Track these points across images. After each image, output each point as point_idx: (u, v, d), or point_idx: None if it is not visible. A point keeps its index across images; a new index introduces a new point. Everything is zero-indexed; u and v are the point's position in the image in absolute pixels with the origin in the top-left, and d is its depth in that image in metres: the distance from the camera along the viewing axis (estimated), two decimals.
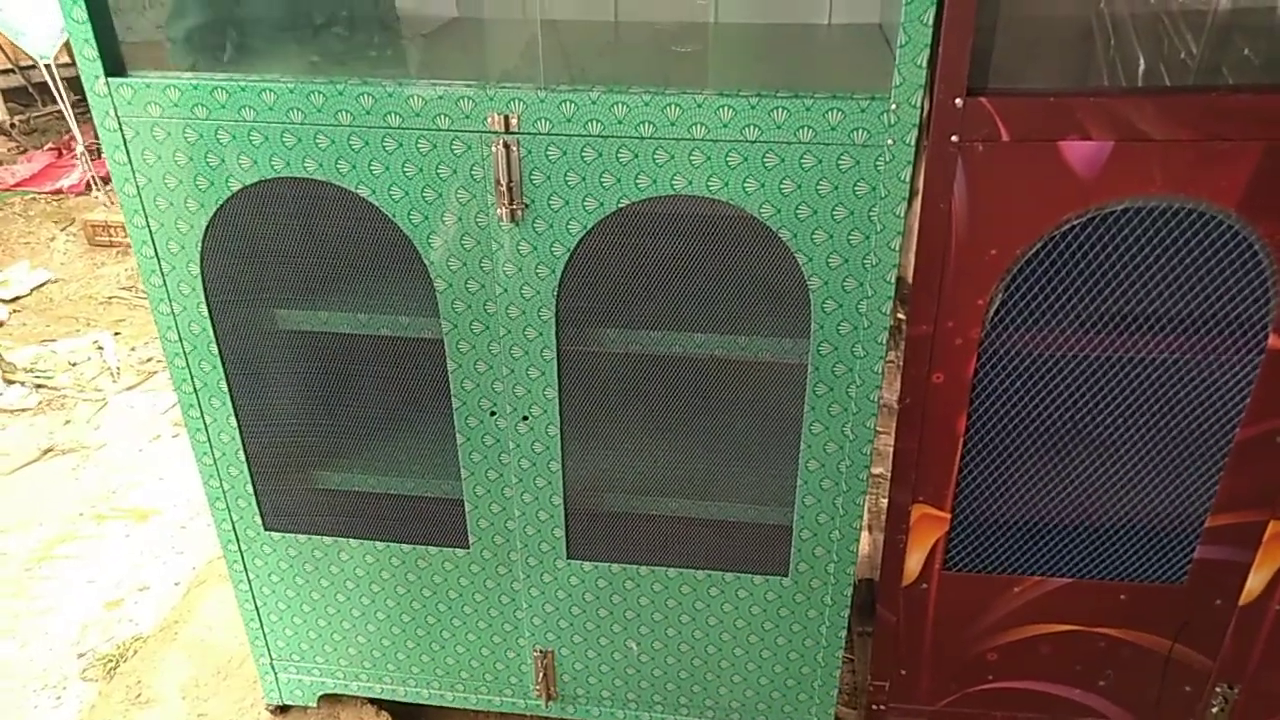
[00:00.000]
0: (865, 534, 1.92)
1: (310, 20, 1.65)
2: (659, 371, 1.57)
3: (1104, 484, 1.56)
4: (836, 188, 1.26)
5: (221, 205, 1.41)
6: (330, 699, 1.96)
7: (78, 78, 1.36)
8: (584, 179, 1.31)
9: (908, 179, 1.24)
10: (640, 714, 1.83)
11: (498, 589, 1.71)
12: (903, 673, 1.75)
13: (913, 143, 1.22)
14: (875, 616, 1.70)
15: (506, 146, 1.29)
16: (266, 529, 1.72)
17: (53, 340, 3.68)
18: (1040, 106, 1.23)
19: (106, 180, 4.73)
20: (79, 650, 2.22)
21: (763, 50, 1.62)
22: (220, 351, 1.54)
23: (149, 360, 3.54)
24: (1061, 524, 1.61)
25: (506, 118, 1.28)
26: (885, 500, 1.57)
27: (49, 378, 3.40)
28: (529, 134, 1.29)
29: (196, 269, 1.46)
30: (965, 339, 1.40)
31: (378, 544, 1.71)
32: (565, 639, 1.76)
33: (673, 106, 1.24)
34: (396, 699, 1.91)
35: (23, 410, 3.23)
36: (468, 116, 1.29)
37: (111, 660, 2.17)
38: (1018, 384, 1.47)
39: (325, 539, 1.72)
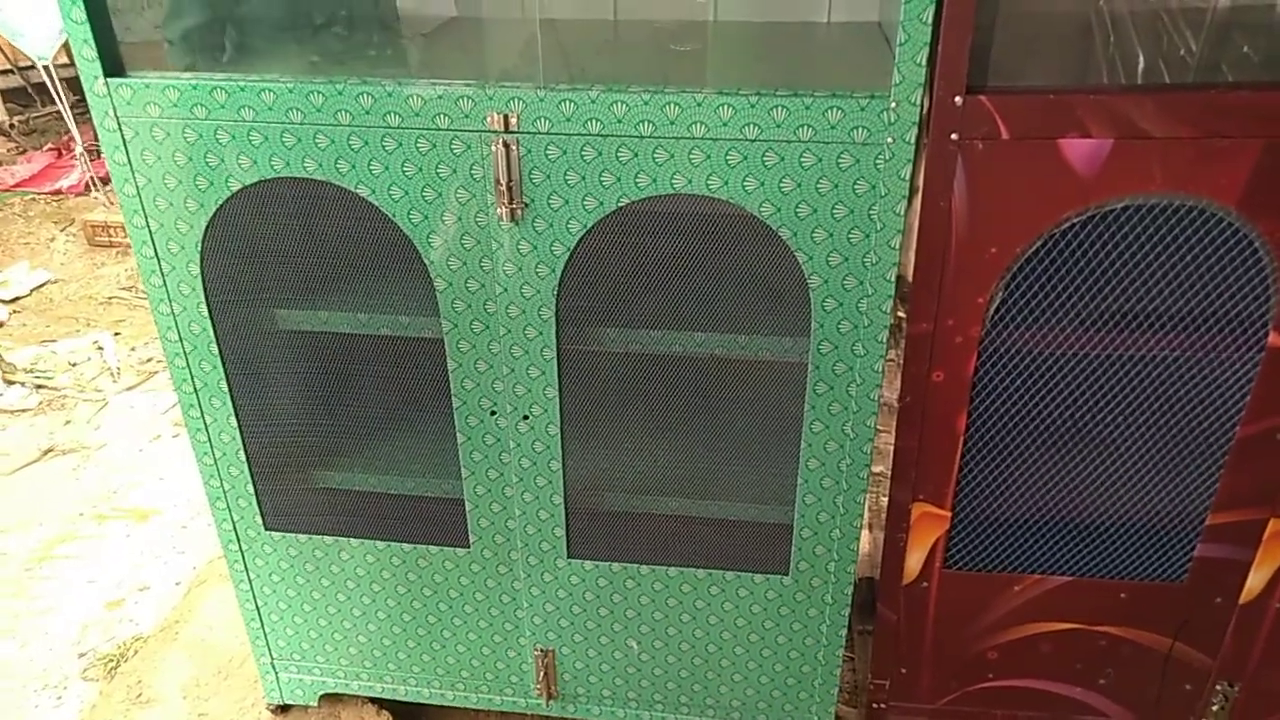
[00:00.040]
0: (866, 532, 1.92)
1: (310, 20, 1.65)
2: (659, 370, 1.57)
3: (1104, 482, 1.56)
4: (836, 186, 1.26)
5: (221, 205, 1.41)
6: (331, 698, 1.96)
7: (77, 78, 1.36)
8: (584, 178, 1.31)
9: (907, 177, 1.24)
10: (641, 713, 1.83)
11: (498, 588, 1.71)
12: (903, 671, 1.75)
13: (912, 141, 1.22)
14: (876, 615, 1.70)
15: (506, 146, 1.29)
16: (267, 529, 1.72)
17: (53, 341, 3.68)
18: (1040, 104, 1.23)
19: (106, 180, 4.73)
20: (80, 650, 2.22)
21: (762, 49, 1.62)
22: (220, 351, 1.54)
23: (149, 360, 3.54)
24: (1062, 522, 1.61)
25: (506, 117, 1.28)
26: (885, 499, 1.57)
27: (49, 378, 3.40)
28: (528, 133, 1.29)
29: (196, 269, 1.46)
30: (965, 337, 1.40)
31: (378, 543, 1.71)
32: (566, 638, 1.76)
33: (672, 105, 1.24)
34: (397, 698, 1.91)
35: (23, 410, 3.23)
36: (467, 116, 1.29)
37: (112, 660, 2.17)
38: (1018, 382, 1.46)
39: (326, 538, 1.72)
